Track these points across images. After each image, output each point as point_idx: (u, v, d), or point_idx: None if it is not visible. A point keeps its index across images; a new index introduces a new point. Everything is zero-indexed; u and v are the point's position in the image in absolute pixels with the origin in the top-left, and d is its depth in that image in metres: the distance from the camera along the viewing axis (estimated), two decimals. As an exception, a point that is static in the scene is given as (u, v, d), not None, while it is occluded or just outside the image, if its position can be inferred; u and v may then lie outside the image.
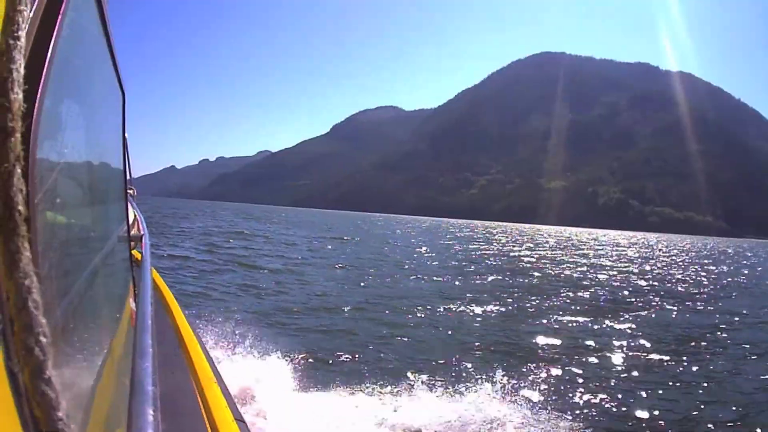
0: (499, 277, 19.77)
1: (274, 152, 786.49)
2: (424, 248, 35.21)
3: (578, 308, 13.90)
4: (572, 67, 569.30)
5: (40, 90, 0.67)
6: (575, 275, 22.83)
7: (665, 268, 30.18)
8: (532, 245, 50.62)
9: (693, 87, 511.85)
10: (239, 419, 2.12)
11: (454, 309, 12.60)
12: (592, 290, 17.82)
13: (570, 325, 11.76)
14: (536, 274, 22.29)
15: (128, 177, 4.72)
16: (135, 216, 4.17)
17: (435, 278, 18.57)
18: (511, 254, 34.66)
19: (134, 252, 5.43)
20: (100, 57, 1.37)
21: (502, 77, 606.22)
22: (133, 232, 3.33)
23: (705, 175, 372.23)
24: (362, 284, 15.90)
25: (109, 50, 1.41)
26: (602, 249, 52.15)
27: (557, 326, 11.50)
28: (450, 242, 47.22)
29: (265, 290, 13.36)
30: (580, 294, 16.66)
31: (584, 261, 32.46)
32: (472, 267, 23.81)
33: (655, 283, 21.20)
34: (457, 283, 17.79)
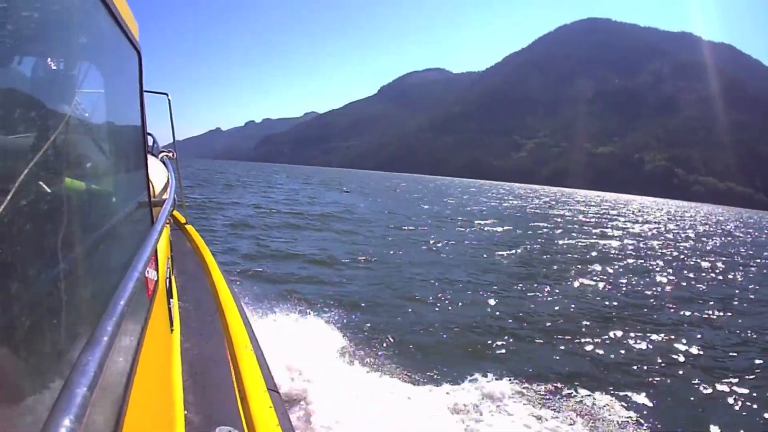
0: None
1: (321, 113, 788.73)
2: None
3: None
4: (617, 34, 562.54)
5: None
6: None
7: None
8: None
9: (734, 59, 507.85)
10: (272, 389, 2.04)
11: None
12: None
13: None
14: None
15: (173, 140, 5.18)
16: (168, 179, 3.97)
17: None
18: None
19: (176, 213, 5.75)
20: (96, 15, 1.27)
21: (548, 42, 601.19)
22: (164, 196, 3.10)
23: (746, 147, 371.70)
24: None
25: (105, 5, 1.30)
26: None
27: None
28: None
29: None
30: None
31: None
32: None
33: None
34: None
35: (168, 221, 2.46)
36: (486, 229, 24.92)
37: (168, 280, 2.51)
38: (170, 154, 4.99)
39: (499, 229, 25.21)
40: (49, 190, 0.79)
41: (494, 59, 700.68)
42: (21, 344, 0.67)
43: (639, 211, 66.46)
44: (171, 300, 2.50)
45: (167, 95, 4.87)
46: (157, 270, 1.85)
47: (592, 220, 39.77)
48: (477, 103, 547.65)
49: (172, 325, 2.39)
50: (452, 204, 45.64)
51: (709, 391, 6.92)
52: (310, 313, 7.72)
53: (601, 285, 13.35)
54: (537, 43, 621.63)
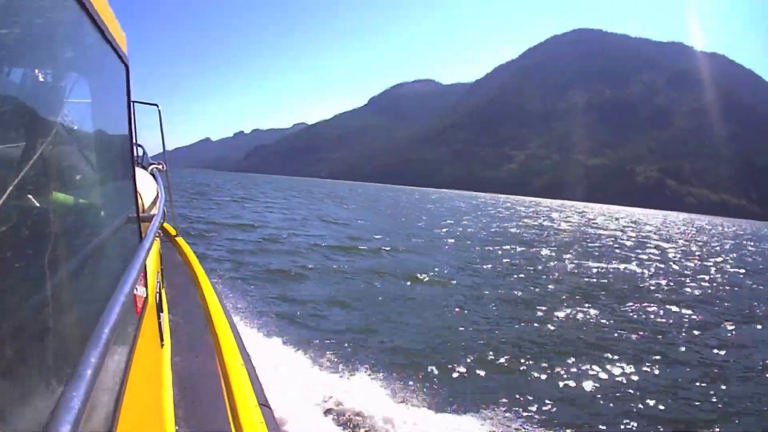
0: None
1: (310, 124, 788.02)
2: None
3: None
4: (609, 45, 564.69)
5: None
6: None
7: None
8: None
9: (727, 69, 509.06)
10: (264, 404, 2.01)
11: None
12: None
13: None
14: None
15: (163, 151, 5.15)
16: (157, 193, 3.87)
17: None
18: None
19: (167, 225, 5.61)
20: (83, 29, 1.25)
21: (539, 53, 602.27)
22: (153, 211, 3.05)
23: (740, 157, 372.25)
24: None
25: (92, 20, 1.27)
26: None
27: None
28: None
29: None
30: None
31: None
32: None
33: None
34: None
35: (158, 234, 2.47)
36: (555, 261, 18.92)
37: (158, 295, 2.49)
38: (160, 166, 4.95)
39: (572, 260, 19.38)
40: (36, 205, 0.79)
41: (484, 70, 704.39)
42: (5, 367, 0.65)
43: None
44: (161, 314, 2.49)
45: (157, 106, 4.89)
46: (146, 286, 1.84)
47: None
48: (467, 114, 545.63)
49: (162, 339, 2.38)
50: (477, 222, 39.68)
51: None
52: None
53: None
54: (527, 54, 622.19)
